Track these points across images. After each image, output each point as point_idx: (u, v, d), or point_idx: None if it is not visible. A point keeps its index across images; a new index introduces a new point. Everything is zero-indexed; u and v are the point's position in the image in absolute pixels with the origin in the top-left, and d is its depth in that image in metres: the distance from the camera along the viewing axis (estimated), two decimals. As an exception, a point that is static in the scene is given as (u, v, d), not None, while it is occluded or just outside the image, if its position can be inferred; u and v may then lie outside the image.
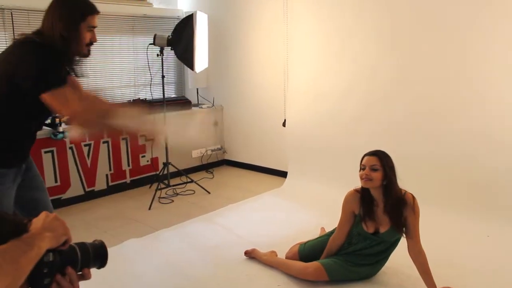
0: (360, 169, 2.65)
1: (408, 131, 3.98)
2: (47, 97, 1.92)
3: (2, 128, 2.05)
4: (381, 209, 2.65)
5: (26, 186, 2.23)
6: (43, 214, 1.21)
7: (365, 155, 2.67)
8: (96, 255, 1.30)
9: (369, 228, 2.70)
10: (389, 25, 4.06)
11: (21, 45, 2.02)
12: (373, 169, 2.58)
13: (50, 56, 1.97)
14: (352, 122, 4.39)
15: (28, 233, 1.13)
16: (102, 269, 1.25)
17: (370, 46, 4.20)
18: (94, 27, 2.12)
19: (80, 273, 1.24)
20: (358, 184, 2.75)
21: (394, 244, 2.74)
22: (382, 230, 2.66)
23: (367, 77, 4.25)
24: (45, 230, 1.16)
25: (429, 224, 2.94)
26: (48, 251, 1.16)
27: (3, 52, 2.09)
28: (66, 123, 2.02)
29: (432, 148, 3.83)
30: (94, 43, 2.15)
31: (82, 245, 1.27)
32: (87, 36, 2.10)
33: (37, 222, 1.18)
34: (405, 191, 2.64)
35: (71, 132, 1.95)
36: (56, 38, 2.01)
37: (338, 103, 4.48)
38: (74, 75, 2.18)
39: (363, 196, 2.70)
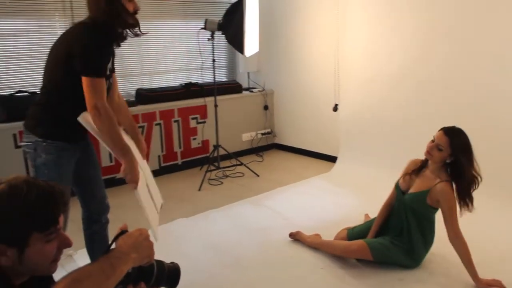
0: (432, 140, 2.63)
1: (462, 116, 3.82)
2: (84, 80, 2.03)
3: (63, 106, 2.18)
4: (424, 172, 2.69)
5: (83, 163, 2.36)
6: (136, 231, 1.28)
7: (441, 129, 2.62)
8: (170, 277, 1.39)
9: (402, 184, 2.77)
10: (442, 8, 3.91)
11: (74, 29, 2.15)
12: (439, 149, 2.57)
13: (100, 37, 2.08)
14: (404, 107, 4.29)
15: (116, 251, 1.22)
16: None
17: (422, 29, 4.07)
18: None
19: None
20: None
21: (412, 217, 2.70)
22: (412, 190, 2.70)
23: (419, 61, 4.12)
24: (133, 250, 1.24)
25: (485, 215, 2.84)
26: None
27: (59, 38, 2.21)
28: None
29: (488, 134, 3.67)
30: (139, 12, 2.21)
31: (160, 265, 1.37)
32: (130, 6, 2.17)
33: (129, 238, 1.26)
34: (446, 180, 2.59)
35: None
36: (102, 14, 2.10)
37: (390, 87, 4.39)
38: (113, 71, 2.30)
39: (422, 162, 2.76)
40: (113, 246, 1.27)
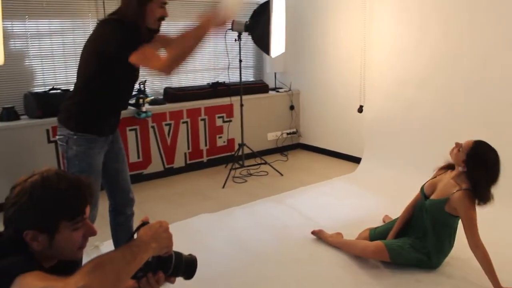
0: None
1: (488, 122, 3.80)
2: (133, 59, 2.12)
3: (95, 98, 2.32)
4: (448, 177, 2.69)
5: (111, 156, 2.50)
6: (157, 223, 1.37)
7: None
8: (187, 268, 1.47)
9: (428, 188, 2.79)
10: (470, 9, 3.88)
11: (103, 23, 2.28)
12: (459, 149, 2.62)
13: (126, 27, 2.18)
14: (430, 110, 4.27)
15: (138, 240, 1.31)
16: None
17: (450, 33, 4.04)
18: (165, 3, 2.30)
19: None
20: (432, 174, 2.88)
21: (430, 222, 2.70)
22: (433, 196, 2.71)
23: (447, 64, 4.10)
24: (153, 240, 1.32)
25: (501, 219, 2.83)
26: None
27: (90, 35, 2.33)
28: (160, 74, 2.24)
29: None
30: (166, 18, 2.32)
31: (178, 255, 1.44)
32: (159, 12, 2.27)
33: (150, 229, 1.34)
34: (465, 189, 2.57)
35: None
36: (130, 14, 2.21)
37: (416, 90, 4.38)
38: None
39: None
40: (135, 236, 1.35)
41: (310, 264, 2.90)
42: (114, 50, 2.16)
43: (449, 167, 2.80)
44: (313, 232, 3.25)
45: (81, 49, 2.34)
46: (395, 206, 3.23)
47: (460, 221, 2.67)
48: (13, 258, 1.20)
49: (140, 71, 2.44)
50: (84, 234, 1.36)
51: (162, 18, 2.30)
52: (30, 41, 4.28)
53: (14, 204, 1.27)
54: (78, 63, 2.36)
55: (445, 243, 2.75)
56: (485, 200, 2.54)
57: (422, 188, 2.86)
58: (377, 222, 3.24)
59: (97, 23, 2.33)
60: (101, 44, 2.21)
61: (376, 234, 3.02)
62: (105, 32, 2.22)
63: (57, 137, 2.36)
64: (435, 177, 2.86)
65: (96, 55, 2.23)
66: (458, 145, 2.65)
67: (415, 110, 4.42)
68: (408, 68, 4.43)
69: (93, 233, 1.39)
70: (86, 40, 2.33)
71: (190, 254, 1.51)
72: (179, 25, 4.82)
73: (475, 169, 2.55)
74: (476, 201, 2.56)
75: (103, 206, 2.58)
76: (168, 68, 2.12)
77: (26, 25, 4.23)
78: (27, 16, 4.21)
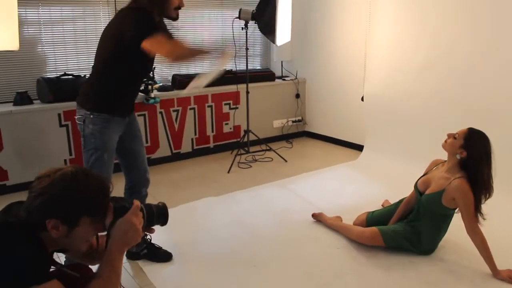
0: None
1: (486, 110, 3.86)
2: (145, 44, 2.24)
3: (110, 81, 2.47)
4: (441, 172, 2.74)
5: (128, 137, 2.67)
6: (128, 223, 1.51)
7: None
8: (160, 216, 1.65)
9: (421, 184, 2.84)
10: (468, 4, 3.93)
11: (121, 12, 2.43)
12: (454, 137, 2.66)
13: (144, 15, 2.33)
14: (430, 99, 4.34)
15: (111, 252, 1.49)
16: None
17: (449, 22, 4.10)
18: None
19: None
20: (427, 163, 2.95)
21: (430, 217, 2.76)
22: (428, 191, 2.75)
23: (445, 53, 4.16)
24: (124, 245, 1.52)
25: (497, 205, 2.91)
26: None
27: (109, 22, 2.50)
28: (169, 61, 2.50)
29: (508, 130, 3.70)
30: (182, 8, 2.47)
31: (149, 208, 1.62)
32: (175, 1, 2.43)
33: (120, 233, 1.51)
34: (460, 177, 2.63)
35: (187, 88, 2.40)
36: (149, 3, 2.35)
37: (415, 79, 4.45)
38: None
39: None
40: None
41: (308, 245, 3.02)
42: (130, 39, 2.28)
43: (437, 164, 2.88)
44: (313, 215, 3.37)
45: (92, 36, 2.50)
46: (396, 192, 3.32)
47: (456, 211, 2.73)
48: (24, 251, 1.34)
49: (154, 60, 2.58)
50: (95, 229, 1.51)
51: (179, 7, 2.45)
52: (43, 27, 4.41)
53: (41, 194, 1.38)
54: (89, 49, 2.52)
55: (441, 232, 2.83)
56: (489, 187, 2.59)
57: (415, 186, 2.91)
58: (376, 207, 3.34)
59: (119, 11, 2.46)
60: (119, 32, 2.34)
61: (373, 217, 3.11)
62: (124, 21, 2.36)
63: (76, 117, 2.52)
64: (426, 173, 2.92)
65: (113, 42, 2.37)
66: (451, 135, 2.69)
67: (413, 99, 4.49)
68: (407, 58, 4.49)
69: (103, 230, 1.53)
70: (96, 27, 2.47)
71: (159, 202, 1.67)
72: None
73: (475, 151, 2.59)
74: (482, 194, 2.59)
75: (118, 186, 2.71)
76: (175, 57, 2.30)
77: (39, 12, 4.36)
78: (40, 4, 4.34)
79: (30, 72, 4.40)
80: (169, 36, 2.54)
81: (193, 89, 2.57)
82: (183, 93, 4.63)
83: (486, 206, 2.65)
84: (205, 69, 5.47)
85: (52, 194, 1.38)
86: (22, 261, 1.31)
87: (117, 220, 1.51)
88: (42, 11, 4.37)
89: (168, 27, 2.61)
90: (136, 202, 1.57)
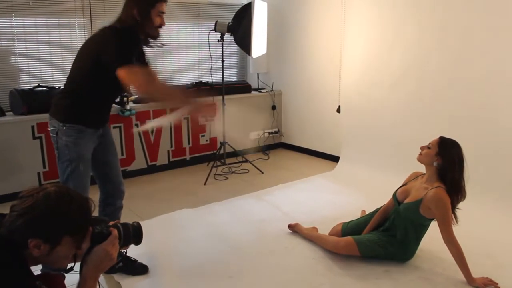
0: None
1: (459, 122, 3.95)
2: (121, 72, 2.27)
3: (86, 92, 2.47)
4: (421, 182, 2.79)
5: (102, 149, 2.66)
6: (103, 252, 1.53)
7: None
8: (135, 236, 1.69)
9: (400, 194, 2.88)
10: (441, 16, 4.05)
11: (105, 29, 2.46)
12: (428, 147, 2.74)
13: (126, 37, 2.39)
14: (403, 110, 4.43)
15: (85, 280, 1.51)
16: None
17: (422, 36, 4.21)
18: (163, 12, 2.52)
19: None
20: (406, 173, 3.01)
21: (407, 226, 2.80)
22: (406, 200, 2.80)
23: (419, 66, 4.27)
24: (97, 271, 1.54)
25: (471, 214, 2.98)
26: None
27: (91, 36, 2.54)
28: (136, 95, 2.57)
29: (487, 138, 3.79)
30: (163, 26, 2.54)
31: (126, 228, 1.66)
32: (157, 20, 2.50)
33: (96, 260, 1.53)
34: (438, 186, 2.68)
35: (142, 126, 2.47)
36: (131, 22, 2.42)
37: (390, 92, 4.54)
38: (144, 57, 2.61)
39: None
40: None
41: (284, 256, 3.03)
42: (109, 64, 2.30)
43: (417, 176, 2.93)
44: (289, 226, 3.38)
45: (67, 48, 2.50)
46: (372, 203, 3.36)
47: (432, 222, 2.78)
48: (11, 274, 1.34)
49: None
50: (76, 249, 1.50)
51: (160, 26, 2.51)
52: (17, 39, 4.36)
53: (24, 214, 1.37)
54: (63, 60, 2.52)
55: (417, 241, 2.87)
56: (461, 190, 2.66)
57: (394, 195, 2.96)
58: (352, 218, 3.35)
59: (101, 28, 2.49)
60: (98, 51, 2.37)
61: (348, 227, 3.13)
62: (107, 42, 2.37)
63: (49, 129, 2.50)
64: (405, 184, 2.97)
65: (92, 58, 2.39)
66: (424, 147, 2.77)
67: (388, 111, 4.58)
68: (382, 70, 4.59)
69: (82, 249, 1.53)
70: (71, 38, 2.48)
71: (134, 222, 1.70)
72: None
73: (449, 157, 2.66)
74: (456, 198, 2.66)
75: (93, 198, 2.69)
76: (146, 92, 2.44)
77: (12, 23, 4.32)
78: (13, 14, 4.30)
79: (2, 83, 4.34)
80: (146, 66, 2.60)
81: (150, 127, 2.64)
82: (139, 129, 4.75)
83: (460, 214, 2.71)
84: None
85: (34, 214, 1.37)
86: (9, 283, 1.32)
87: (94, 247, 1.52)
88: (15, 22, 4.33)
89: (152, 44, 2.62)
90: (114, 232, 1.58)
